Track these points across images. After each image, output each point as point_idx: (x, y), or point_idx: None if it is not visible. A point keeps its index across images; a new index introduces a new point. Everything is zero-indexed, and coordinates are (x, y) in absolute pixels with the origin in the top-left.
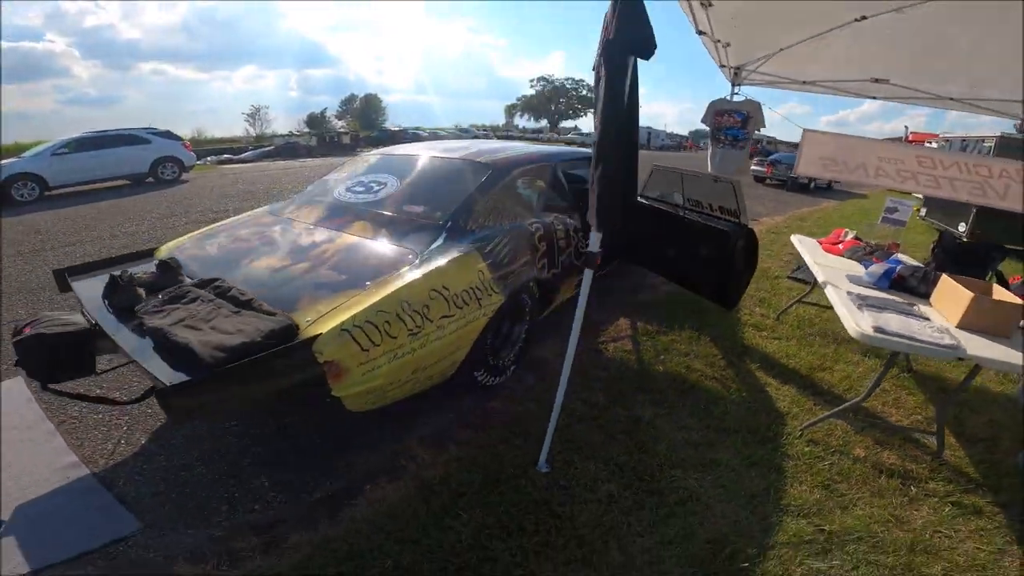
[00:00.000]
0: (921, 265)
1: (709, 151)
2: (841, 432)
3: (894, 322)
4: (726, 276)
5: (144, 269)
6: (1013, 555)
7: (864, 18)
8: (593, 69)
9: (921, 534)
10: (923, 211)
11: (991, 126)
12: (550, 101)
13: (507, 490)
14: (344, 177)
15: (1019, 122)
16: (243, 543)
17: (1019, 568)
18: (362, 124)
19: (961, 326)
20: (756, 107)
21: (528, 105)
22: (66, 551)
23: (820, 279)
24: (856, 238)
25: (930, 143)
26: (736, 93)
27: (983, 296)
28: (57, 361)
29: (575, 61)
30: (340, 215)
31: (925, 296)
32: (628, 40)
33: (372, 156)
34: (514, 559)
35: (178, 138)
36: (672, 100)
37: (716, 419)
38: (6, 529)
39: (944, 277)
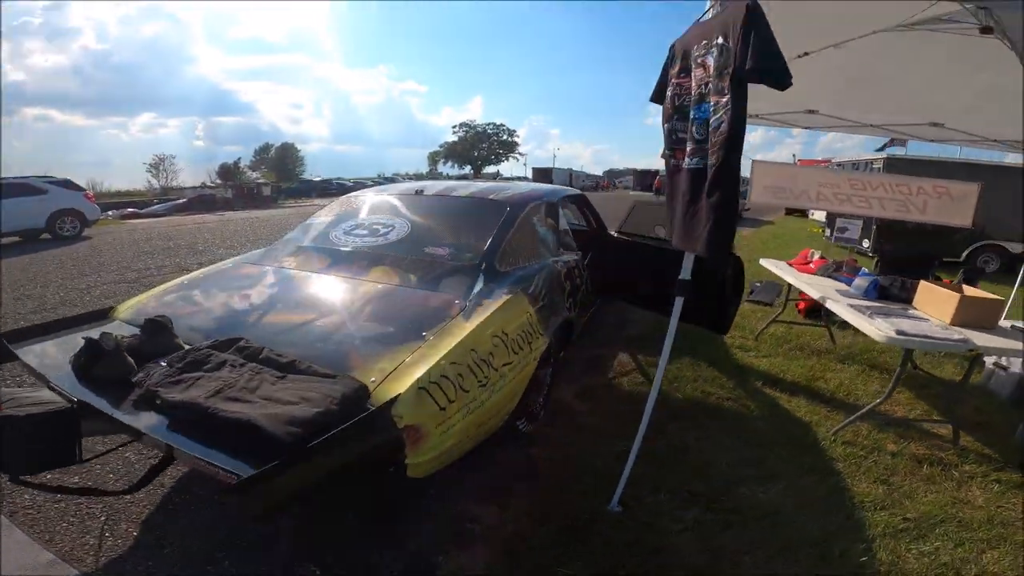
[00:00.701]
0: (896, 277)
1: (664, 183)
2: (866, 432)
3: (906, 325)
4: (721, 303)
5: (119, 332)
6: None
7: (807, 54)
8: (654, 98)
9: (989, 509)
10: (827, 232)
11: (858, 149)
12: (473, 147)
13: (595, 536)
14: (332, 221)
15: (887, 141)
16: None
17: None
18: (278, 175)
19: (953, 323)
20: None
21: (452, 151)
22: None
23: (817, 296)
24: (822, 257)
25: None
26: None
27: (969, 296)
28: (31, 449)
29: (493, 105)
30: (350, 261)
31: (907, 302)
32: (764, 69)
33: (356, 198)
34: None
35: (79, 188)
36: (585, 141)
37: (751, 435)
38: None
39: (923, 283)
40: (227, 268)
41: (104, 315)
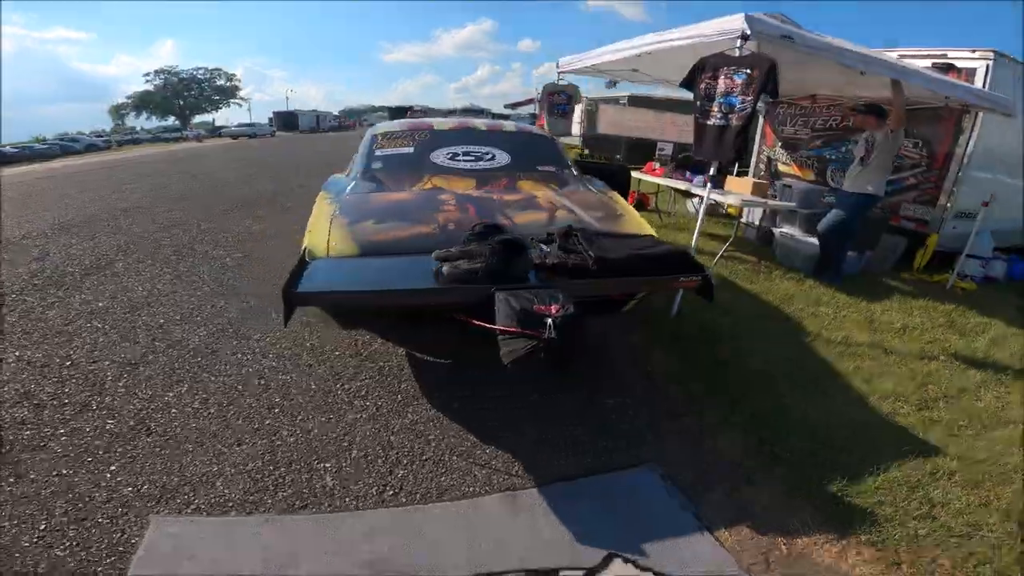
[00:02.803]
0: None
1: (546, 120)
2: (724, 263)
3: (742, 197)
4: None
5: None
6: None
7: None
8: (683, 84)
9: (800, 290)
10: (586, 151)
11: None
12: (177, 96)
13: (684, 328)
14: (415, 153)
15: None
16: None
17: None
18: None
19: (752, 194)
20: (575, 88)
21: (146, 102)
22: None
23: (684, 187)
24: (661, 166)
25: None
26: (561, 80)
27: (755, 180)
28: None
29: (192, 49)
30: (493, 179)
31: (721, 188)
32: (772, 91)
33: (408, 135)
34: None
35: None
36: (315, 81)
37: None
38: None
39: (729, 176)
40: (365, 197)
41: (304, 263)
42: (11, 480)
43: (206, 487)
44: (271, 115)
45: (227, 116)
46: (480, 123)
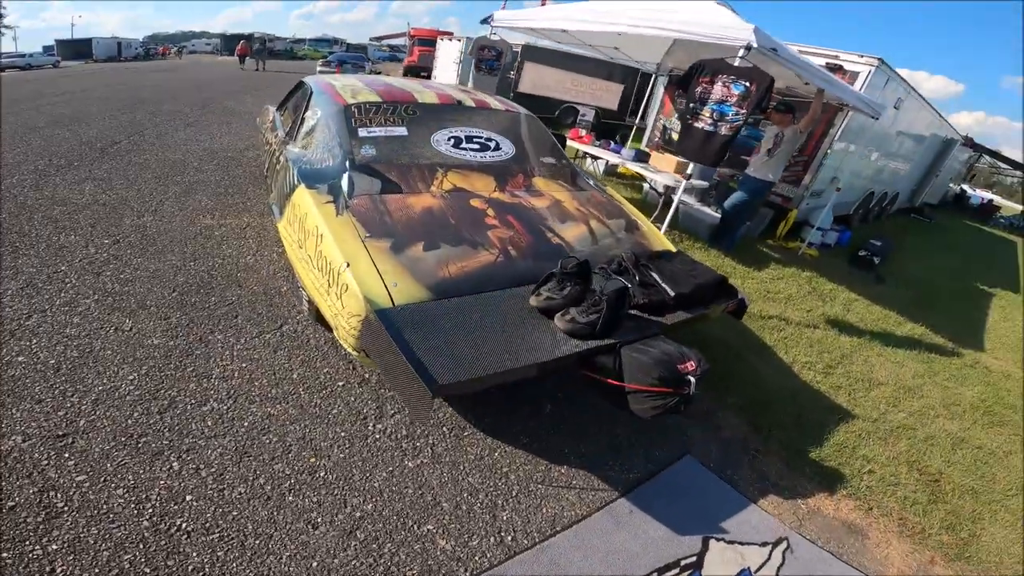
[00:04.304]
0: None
1: (472, 75)
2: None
3: (675, 177)
4: None
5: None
6: None
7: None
8: (678, 83)
9: (714, 259)
10: None
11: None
12: None
13: None
14: (415, 135)
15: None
16: None
17: (743, 267)
18: None
19: (675, 171)
20: (507, 45)
21: None
22: None
23: (617, 160)
24: (588, 133)
25: (443, 39)
26: (493, 34)
27: (678, 160)
28: None
29: None
30: (509, 175)
31: (647, 161)
32: (765, 106)
33: (401, 107)
34: None
35: None
36: (112, 7)
37: None
38: None
39: (653, 153)
40: (379, 201)
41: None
42: None
43: None
44: (53, 42)
45: None
46: (464, 96)
